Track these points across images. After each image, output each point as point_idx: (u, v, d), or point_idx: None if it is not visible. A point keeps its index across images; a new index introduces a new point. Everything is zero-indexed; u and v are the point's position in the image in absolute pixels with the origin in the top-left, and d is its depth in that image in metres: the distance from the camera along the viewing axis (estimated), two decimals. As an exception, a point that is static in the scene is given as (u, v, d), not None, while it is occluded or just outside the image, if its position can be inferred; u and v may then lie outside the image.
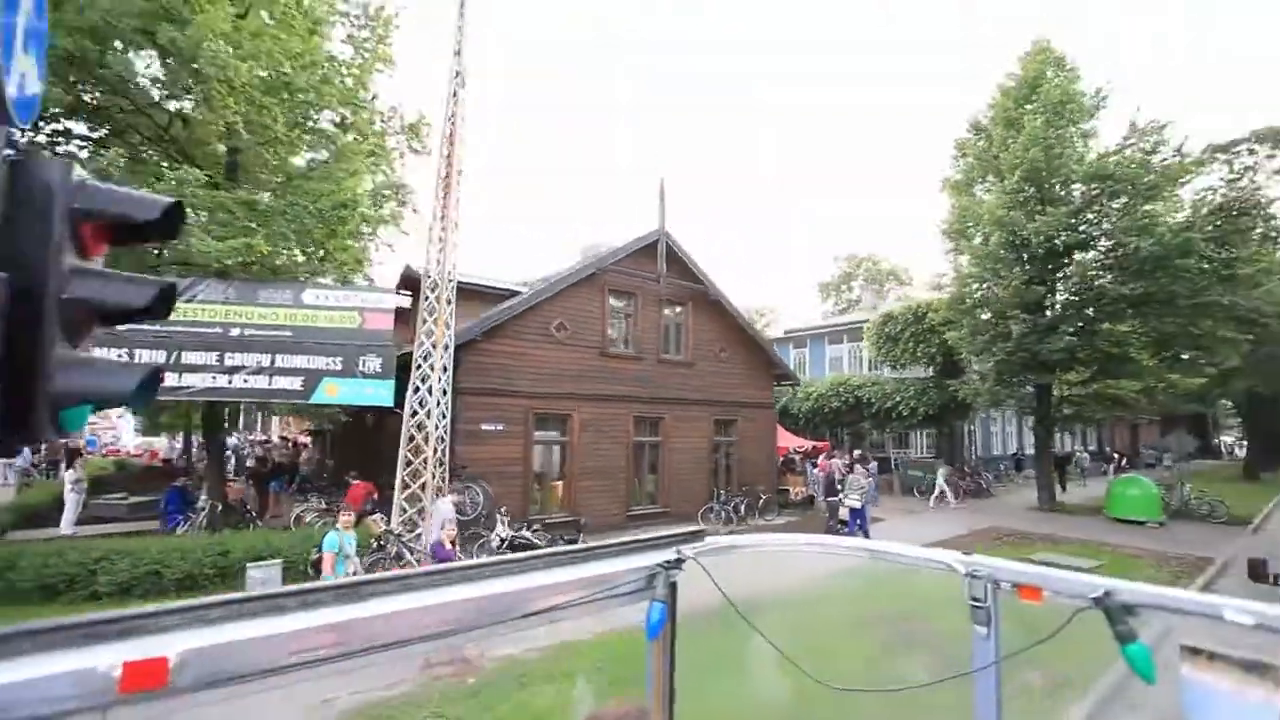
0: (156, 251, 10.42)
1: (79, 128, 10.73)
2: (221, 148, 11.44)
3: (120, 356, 9.52)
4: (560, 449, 14.10)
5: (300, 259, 11.85)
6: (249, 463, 20.97)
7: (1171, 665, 1.25)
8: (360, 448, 18.29)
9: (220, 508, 11.67)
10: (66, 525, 12.78)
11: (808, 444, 23.34)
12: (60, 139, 10.54)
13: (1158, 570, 10.64)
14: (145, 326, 9.80)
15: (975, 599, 1.43)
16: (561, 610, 1.41)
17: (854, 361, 27.41)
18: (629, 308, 15.60)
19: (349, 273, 12.98)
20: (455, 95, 11.07)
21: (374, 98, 12.29)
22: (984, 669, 1.42)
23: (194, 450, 22.31)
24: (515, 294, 16.02)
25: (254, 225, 10.15)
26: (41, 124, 10.04)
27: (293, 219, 10.51)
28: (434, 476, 10.24)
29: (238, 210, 10.08)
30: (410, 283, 15.29)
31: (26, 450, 19.30)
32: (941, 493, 19.22)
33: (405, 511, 10.11)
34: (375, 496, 12.37)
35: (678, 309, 16.58)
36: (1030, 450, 24.33)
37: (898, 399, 22.80)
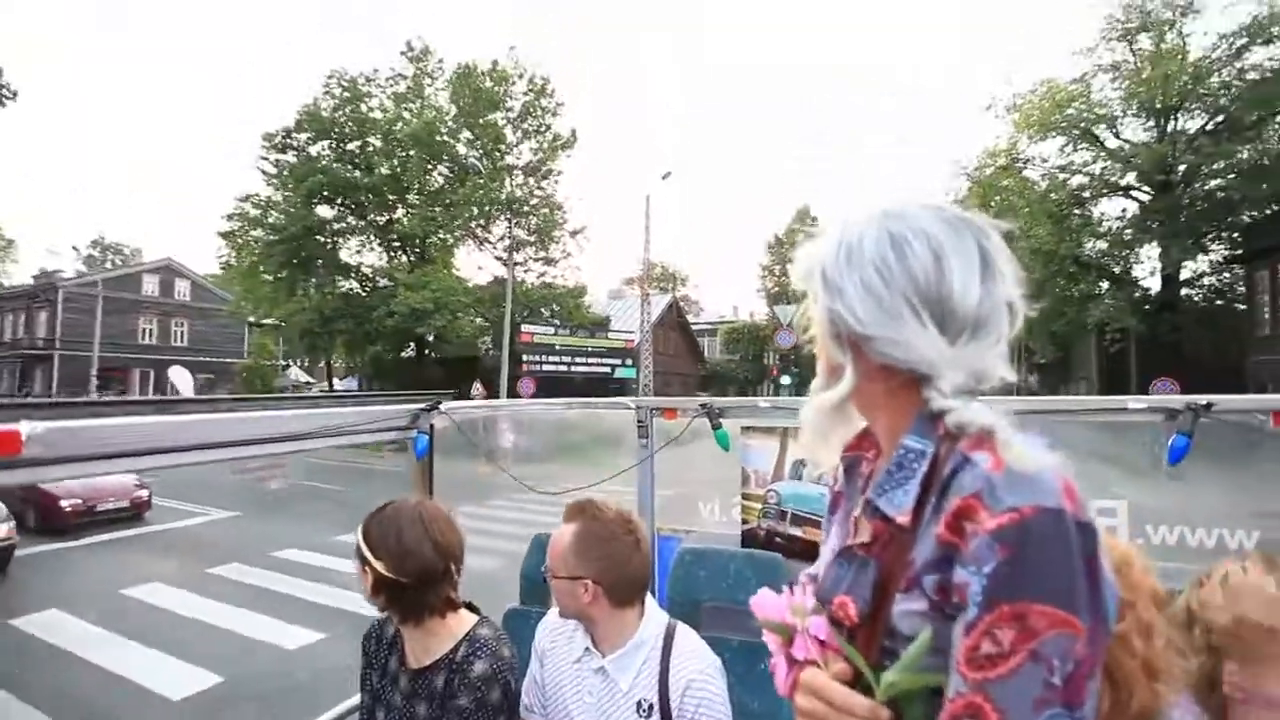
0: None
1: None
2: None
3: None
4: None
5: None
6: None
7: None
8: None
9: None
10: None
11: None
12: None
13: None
14: (571, 345, 25.76)
15: (640, 422, 2.18)
16: (350, 434, 1.80)
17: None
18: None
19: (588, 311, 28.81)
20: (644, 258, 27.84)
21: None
22: (642, 463, 2.19)
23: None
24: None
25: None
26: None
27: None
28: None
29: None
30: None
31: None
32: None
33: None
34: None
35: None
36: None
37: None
